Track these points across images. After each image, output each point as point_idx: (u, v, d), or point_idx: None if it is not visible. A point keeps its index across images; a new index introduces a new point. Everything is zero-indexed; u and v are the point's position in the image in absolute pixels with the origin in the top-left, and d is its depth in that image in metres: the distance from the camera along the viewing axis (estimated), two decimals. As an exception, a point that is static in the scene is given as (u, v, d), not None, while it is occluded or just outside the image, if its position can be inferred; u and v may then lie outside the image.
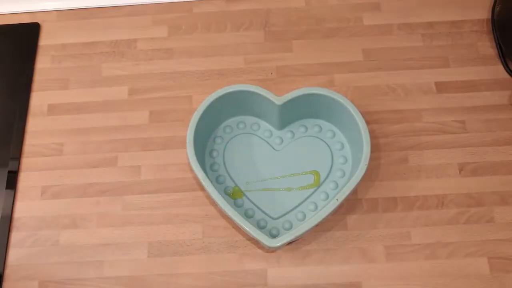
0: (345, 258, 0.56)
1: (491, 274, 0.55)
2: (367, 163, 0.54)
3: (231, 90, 0.58)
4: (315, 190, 0.59)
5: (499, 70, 0.66)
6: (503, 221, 0.57)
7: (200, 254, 0.57)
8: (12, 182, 0.61)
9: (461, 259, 0.55)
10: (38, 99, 0.66)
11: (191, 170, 0.58)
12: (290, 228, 0.57)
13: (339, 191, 0.53)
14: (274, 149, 0.62)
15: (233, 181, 0.60)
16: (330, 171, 0.60)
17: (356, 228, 0.57)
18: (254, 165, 0.61)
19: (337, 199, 0.53)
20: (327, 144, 0.61)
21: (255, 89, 0.58)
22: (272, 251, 0.57)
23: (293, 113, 0.60)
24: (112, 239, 0.58)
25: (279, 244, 0.51)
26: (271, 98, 0.57)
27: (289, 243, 0.55)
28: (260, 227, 0.57)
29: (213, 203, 0.58)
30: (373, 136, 0.55)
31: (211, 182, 0.55)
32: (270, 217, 0.58)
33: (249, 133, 0.63)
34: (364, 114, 0.56)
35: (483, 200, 0.58)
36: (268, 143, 0.62)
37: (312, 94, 0.57)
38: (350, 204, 0.58)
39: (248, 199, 0.59)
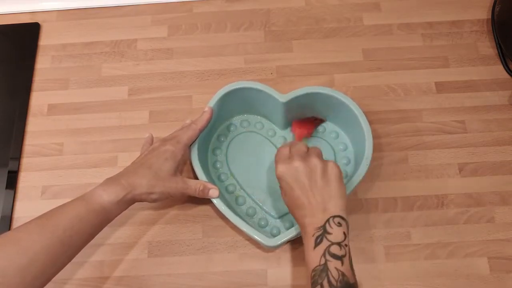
0: (345, 258, 0.56)
1: (491, 274, 0.55)
2: (368, 164, 0.54)
3: (236, 87, 0.58)
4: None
5: (499, 70, 0.66)
6: (503, 221, 0.57)
7: (200, 254, 0.57)
8: (12, 182, 0.61)
9: (461, 259, 0.55)
10: (38, 99, 0.66)
11: (192, 170, 0.58)
12: (291, 227, 0.56)
13: None
14: (278, 148, 0.62)
15: (235, 179, 0.60)
16: None
17: (356, 228, 0.57)
18: (257, 163, 0.61)
19: None
20: (330, 145, 0.61)
21: (260, 86, 0.58)
22: (272, 251, 0.57)
23: (297, 112, 0.60)
24: (112, 239, 0.58)
25: (278, 243, 0.51)
26: (275, 96, 0.57)
27: (289, 242, 0.55)
28: (261, 226, 0.57)
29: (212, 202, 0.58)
30: (373, 136, 0.55)
31: (213, 180, 0.55)
32: (271, 216, 0.58)
33: (253, 131, 0.63)
34: (364, 114, 0.56)
35: (483, 200, 0.58)
36: (271, 142, 0.62)
37: (316, 93, 0.57)
38: (350, 204, 0.58)
39: (250, 197, 0.59)
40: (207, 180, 0.55)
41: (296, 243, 0.57)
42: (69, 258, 0.46)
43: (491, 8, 0.69)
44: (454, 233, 0.57)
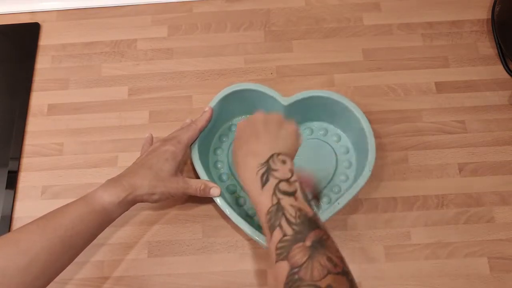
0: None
1: (491, 274, 0.55)
2: (371, 169, 0.53)
3: (237, 88, 0.58)
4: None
5: (499, 70, 0.66)
6: (503, 221, 0.57)
7: (200, 254, 0.57)
8: (12, 182, 0.61)
9: (461, 259, 0.55)
10: (38, 99, 0.66)
11: (193, 169, 0.58)
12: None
13: (342, 195, 0.53)
14: None
15: (236, 180, 0.60)
16: (334, 174, 0.60)
17: (356, 228, 0.57)
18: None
19: (338, 203, 0.53)
20: (332, 147, 0.61)
21: (262, 88, 0.58)
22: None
23: (298, 114, 0.60)
24: (113, 239, 0.58)
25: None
26: (277, 98, 0.57)
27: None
28: (261, 227, 0.57)
29: (213, 202, 0.58)
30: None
31: (214, 180, 0.54)
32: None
33: None
34: (367, 119, 0.56)
35: (483, 200, 0.58)
36: None
37: (319, 97, 0.57)
38: (350, 204, 0.58)
39: (250, 198, 0.59)
40: (208, 180, 0.55)
41: (296, 243, 0.57)
42: (71, 259, 0.46)
43: (491, 8, 0.69)
44: (454, 233, 0.57)
